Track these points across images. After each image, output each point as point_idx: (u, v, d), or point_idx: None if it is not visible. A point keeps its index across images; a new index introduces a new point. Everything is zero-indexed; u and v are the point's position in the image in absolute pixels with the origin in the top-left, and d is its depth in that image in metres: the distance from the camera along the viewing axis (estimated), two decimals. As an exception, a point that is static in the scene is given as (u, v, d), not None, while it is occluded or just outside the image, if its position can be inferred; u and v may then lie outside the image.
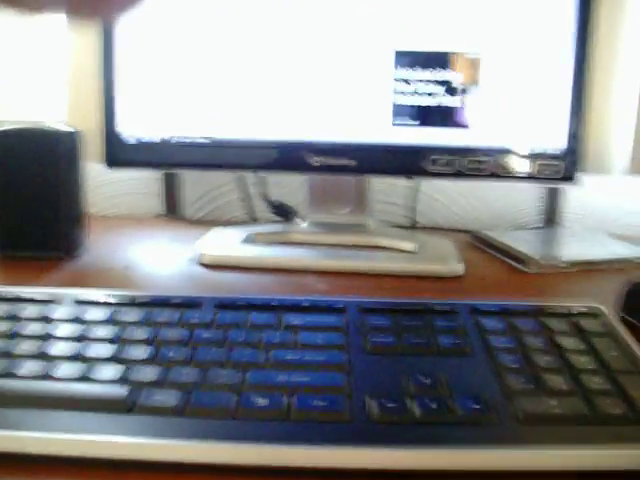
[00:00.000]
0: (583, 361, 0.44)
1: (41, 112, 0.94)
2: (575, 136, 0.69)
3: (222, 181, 1.00)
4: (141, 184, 1.01)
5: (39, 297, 0.51)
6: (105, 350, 0.44)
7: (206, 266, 0.71)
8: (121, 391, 0.39)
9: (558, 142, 0.70)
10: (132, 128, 0.72)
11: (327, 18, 0.69)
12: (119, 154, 0.73)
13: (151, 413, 0.38)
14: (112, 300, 0.51)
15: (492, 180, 0.70)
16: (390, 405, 0.39)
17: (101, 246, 0.77)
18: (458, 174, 0.70)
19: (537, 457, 0.36)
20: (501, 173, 0.70)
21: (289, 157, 0.72)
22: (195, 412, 0.38)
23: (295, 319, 0.48)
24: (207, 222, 0.93)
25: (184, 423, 0.38)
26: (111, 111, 0.72)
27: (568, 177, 0.71)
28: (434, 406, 0.39)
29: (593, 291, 0.67)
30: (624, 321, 0.56)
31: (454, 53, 0.69)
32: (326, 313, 0.50)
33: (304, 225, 0.80)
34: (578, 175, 0.71)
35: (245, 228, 0.81)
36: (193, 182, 1.00)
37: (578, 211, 0.99)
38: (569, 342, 0.47)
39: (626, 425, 0.39)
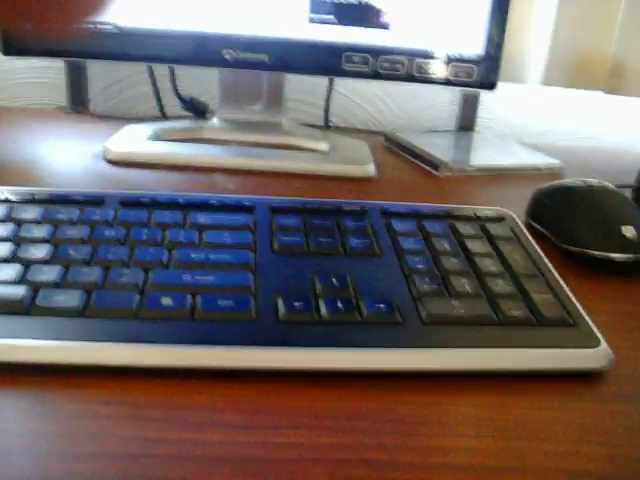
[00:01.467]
0: (489, 264, 0.45)
1: None
2: (493, 42, 0.69)
3: (129, 73, 0.95)
4: (42, 73, 0.95)
5: None
6: (2, 249, 0.41)
7: (112, 163, 0.68)
8: (17, 291, 0.37)
9: (475, 47, 0.69)
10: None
11: None
12: (16, 40, 0.68)
13: (51, 314, 0.37)
14: (9, 197, 0.48)
15: (407, 82, 0.69)
16: (297, 304, 0.39)
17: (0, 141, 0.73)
18: (374, 74, 0.69)
19: (440, 357, 0.37)
20: (417, 75, 0.69)
21: (202, 50, 0.69)
22: (97, 313, 0.37)
23: (202, 217, 0.47)
24: (114, 117, 0.88)
25: (85, 324, 0.36)
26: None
27: (484, 83, 0.70)
28: (341, 306, 0.39)
29: (502, 197, 0.68)
30: (530, 227, 0.57)
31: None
32: (234, 212, 0.49)
33: (215, 122, 0.77)
34: (493, 80, 0.70)
35: (154, 124, 0.78)
36: (99, 73, 0.95)
37: (491, 118, 1.00)
38: (476, 245, 0.47)
39: (528, 327, 0.40)
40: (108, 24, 0.67)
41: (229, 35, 0.68)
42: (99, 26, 0.67)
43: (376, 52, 0.68)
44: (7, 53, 0.68)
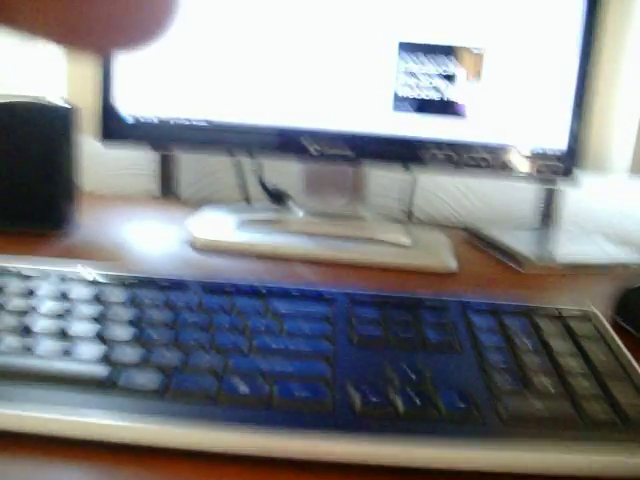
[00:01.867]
0: (572, 364, 0.44)
1: (40, 87, 0.93)
2: (576, 136, 0.69)
3: (219, 164, 0.99)
4: (137, 164, 1.00)
5: (26, 272, 0.51)
6: (88, 329, 0.43)
7: (198, 249, 0.70)
8: (102, 370, 0.39)
9: (559, 142, 0.69)
10: (131, 107, 0.71)
11: (332, 3, 0.68)
12: (116, 131, 0.72)
13: (131, 394, 0.37)
14: (98, 279, 0.50)
15: (490, 176, 0.70)
16: (373, 398, 0.38)
17: (92, 223, 0.76)
18: (456, 168, 0.69)
19: (519, 459, 0.36)
20: (499, 170, 0.69)
21: (287, 143, 0.71)
22: (176, 395, 0.38)
23: (282, 306, 0.47)
24: (202, 205, 0.91)
25: (164, 406, 0.37)
26: (110, 88, 0.71)
27: (567, 178, 0.70)
28: (418, 401, 0.38)
29: (587, 294, 0.67)
30: (616, 326, 0.55)
31: (459, 47, 0.68)
32: (314, 302, 0.49)
33: (299, 213, 0.79)
34: (577, 175, 0.70)
35: (239, 212, 0.80)
36: (189, 164, 0.99)
37: (576, 212, 0.99)
38: (559, 344, 0.46)
39: (612, 431, 0.38)
40: (200, 119, 0.71)
41: (313, 129, 0.70)
42: (191, 121, 0.71)
43: (458, 146, 0.69)
44: (105, 138, 0.72)
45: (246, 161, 0.92)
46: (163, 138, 0.72)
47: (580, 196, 0.98)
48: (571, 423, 0.38)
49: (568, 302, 0.53)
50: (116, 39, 0.23)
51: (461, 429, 0.37)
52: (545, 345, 0.46)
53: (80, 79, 0.89)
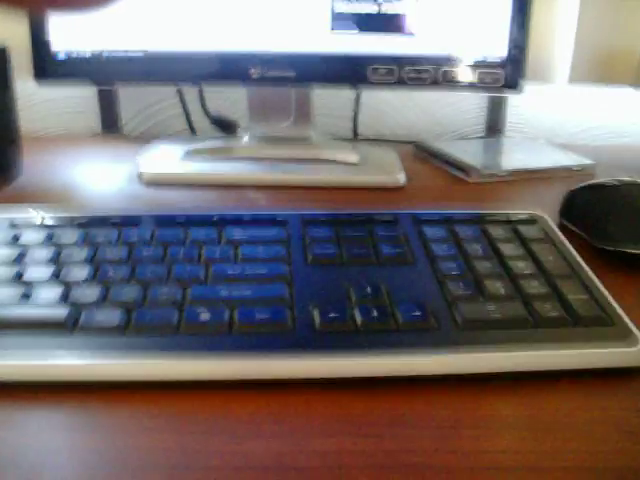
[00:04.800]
0: (522, 266, 0.45)
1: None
2: (516, 44, 0.69)
3: (160, 96, 0.97)
4: (75, 102, 0.97)
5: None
6: (44, 272, 0.43)
7: (147, 184, 0.70)
8: (62, 312, 0.39)
9: (499, 50, 0.69)
10: (62, 42, 0.69)
11: None
12: (49, 70, 0.70)
13: (93, 333, 0.38)
14: (49, 221, 0.50)
15: (433, 89, 0.70)
16: (332, 314, 0.39)
17: (37, 167, 0.75)
18: (399, 83, 0.69)
19: (476, 360, 0.37)
20: (442, 82, 0.69)
21: (228, 69, 0.70)
22: (138, 330, 0.38)
23: (236, 233, 0.48)
24: (146, 139, 0.90)
25: (127, 341, 0.37)
26: (39, 24, 0.68)
27: (510, 85, 0.70)
28: (376, 314, 0.39)
29: (533, 199, 0.68)
30: (563, 227, 0.57)
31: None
32: (267, 226, 0.49)
33: (245, 139, 0.78)
34: (519, 83, 0.70)
35: (185, 143, 0.79)
36: (130, 97, 0.97)
37: (520, 120, 1.00)
38: (508, 248, 0.47)
39: (564, 327, 0.40)
40: (136, 50, 0.69)
41: (253, 52, 0.69)
42: (128, 53, 0.69)
43: (401, 61, 0.69)
44: (37, 78, 0.70)
45: (188, 90, 0.91)
46: (99, 72, 0.70)
47: (523, 104, 0.99)
48: (523, 323, 0.40)
49: (516, 207, 0.54)
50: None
51: (419, 337, 0.38)
52: (495, 250, 0.47)
53: (4, 15, 0.85)
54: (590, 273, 0.46)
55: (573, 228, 0.57)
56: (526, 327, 0.39)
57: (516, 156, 0.82)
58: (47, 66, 0.69)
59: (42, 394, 0.35)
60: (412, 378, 0.37)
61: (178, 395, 0.36)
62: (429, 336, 0.38)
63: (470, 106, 0.99)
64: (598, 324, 0.40)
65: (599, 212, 0.55)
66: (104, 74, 0.70)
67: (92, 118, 0.97)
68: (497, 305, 0.41)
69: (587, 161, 0.78)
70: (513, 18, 0.68)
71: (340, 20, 0.68)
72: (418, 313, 0.40)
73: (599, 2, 0.84)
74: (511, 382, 0.37)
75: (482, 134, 1.00)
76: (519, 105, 0.99)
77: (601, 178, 0.59)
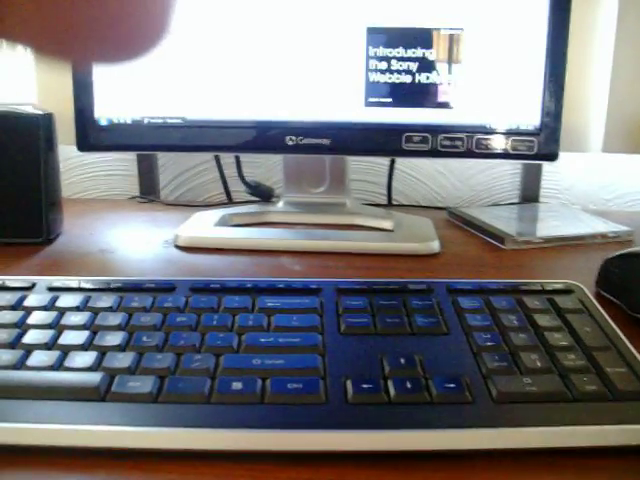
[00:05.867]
0: (558, 338, 0.44)
1: (8, 94, 0.93)
2: (549, 113, 0.69)
3: (197, 162, 0.99)
4: (115, 166, 0.99)
5: (13, 284, 0.51)
6: (78, 337, 0.43)
7: (182, 249, 0.70)
8: (94, 378, 0.39)
9: (533, 119, 0.70)
10: (104, 109, 0.71)
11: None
12: (91, 137, 0.72)
13: (125, 400, 0.38)
14: (85, 286, 0.50)
15: (467, 158, 0.70)
16: (365, 386, 0.39)
17: (77, 230, 0.76)
18: (433, 151, 0.70)
19: (511, 436, 0.36)
20: (476, 150, 0.70)
21: (264, 137, 0.71)
22: (169, 398, 0.38)
23: (269, 301, 0.48)
24: (183, 204, 0.92)
25: (159, 409, 0.37)
26: (83, 92, 0.71)
27: (544, 154, 0.70)
28: (409, 386, 0.39)
29: (569, 267, 0.67)
30: (600, 297, 0.56)
31: (427, 29, 0.68)
32: (301, 295, 0.49)
33: (280, 205, 0.79)
34: (553, 151, 0.70)
35: (221, 210, 0.80)
36: (168, 163, 0.99)
37: (554, 187, 1.00)
38: (544, 319, 0.47)
39: (602, 402, 0.39)
40: (175, 117, 0.71)
41: (289, 122, 0.70)
42: (168, 120, 0.71)
43: (433, 130, 0.69)
44: (81, 149, 0.72)
45: (224, 157, 0.92)
46: (138, 140, 0.72)
47: (557, 172, 0.99)
48: (561, 397, 0.39)
49: (552, 276, 0.54)
50: (101, 52, 0.23)
51: (453, 411, 0.38)
52: (531, 321, 0.47)
53: (50, 84, 0.88)
54: (628, 344, 0.45)
55: (610, 297, 0.56)
56: (563, 401, 0.39)
57: (551, 223, 0.82)
58: (89, 132, 0.71)
59: (74, 460, 0.35)
60: (446, 453, 0.36)
61: (208, 464, 0.35)
62: (464, 410, 0.38)
63: (504, 172, 0.99)
64: (638, 399, 0.39)
65: (636, 281, 0.54)
66: (144, 141, 0.72)
67: (131, 181, 1.00)
68: (533, 378, 0.40)
69: (623, 228, 0.78)
70: (546, 87, 0.69)
71: (374, 90, 0.69)
72: (452, 385, 0.39)
73: (631, 71, 0.85)
74: (548, 457, 0.36)
75: (516, 200, 0.99)
76: (553, 171, 0.98)
77: (638, 246, 0.58)
